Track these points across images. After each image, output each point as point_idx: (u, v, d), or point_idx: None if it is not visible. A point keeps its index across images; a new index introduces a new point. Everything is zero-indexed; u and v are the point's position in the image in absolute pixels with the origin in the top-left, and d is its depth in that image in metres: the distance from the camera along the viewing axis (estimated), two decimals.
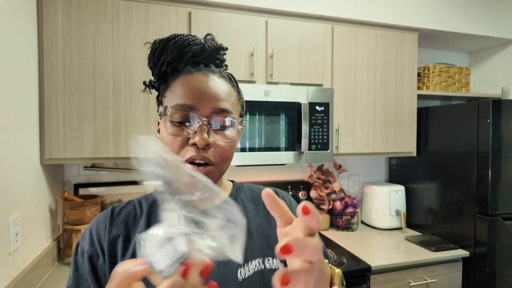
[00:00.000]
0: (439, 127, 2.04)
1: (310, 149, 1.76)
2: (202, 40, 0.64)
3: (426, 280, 1.73)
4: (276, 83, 1.80)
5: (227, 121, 0.60)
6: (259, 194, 0.74)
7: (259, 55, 1.76)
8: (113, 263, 0.59)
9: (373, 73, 1.98)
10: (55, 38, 1.45)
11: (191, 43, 0.62)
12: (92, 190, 1.80)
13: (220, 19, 1.68)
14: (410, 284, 1.70)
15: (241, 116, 0.67)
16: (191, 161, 0.57)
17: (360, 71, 1.95)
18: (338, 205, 2.14)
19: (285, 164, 1.93)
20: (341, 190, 2.19)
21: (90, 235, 0.62)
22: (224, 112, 0.59)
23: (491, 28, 2.21)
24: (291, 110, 1.74)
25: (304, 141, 1.72)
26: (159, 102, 0.65)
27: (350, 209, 2.13)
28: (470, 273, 1.82)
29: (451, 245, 1.85)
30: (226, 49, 0.67)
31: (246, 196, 0.73)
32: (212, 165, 0.58)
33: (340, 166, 2.26)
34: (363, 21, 1.93)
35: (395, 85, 2.04)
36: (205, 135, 0.56)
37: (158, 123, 0.66)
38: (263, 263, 0.63)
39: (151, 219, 0.64)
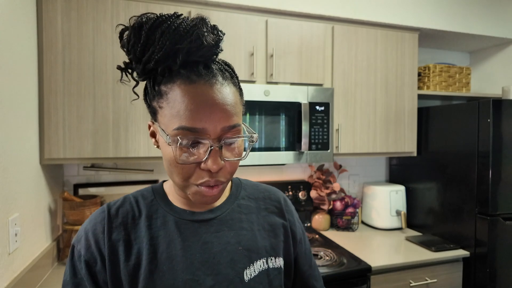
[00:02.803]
0: (439, 127, 2.04)
1: (310, 149, 1.76)
2: (197, 30, 0.50)
3: (426, 280, 1.72)
4: (276, 83, 1.79)
5: (239, 140, 0.56)
6: (264, 193, 0.73)
7: (259, 55, 1.75)
8: (115, 269, 0.57)
9: (373, 73, 1.98)
10: (54, 37, 1.45)
11: (184, 35, 0.50)
12: (92, 190, 1.80)
13: (220, 18, 1.67)
14: (411, 284, 1.70)
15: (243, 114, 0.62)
16: (205, 185, 0.55)
17: (360, 71, 1.95)
18: (339, 205, 2.14)
19: (285, 164, 1.93)
20: (341, 190, 2.19)
21: (86, 239, 0.59)
22: (234, 128, 0.54)
23: (492, 27, 2.21)
24: (291, 110, 1.73)
25: (304, 141, 1.71)
26: (152, 108, 0.57)
27: (350, 209, 2.12)
28: (471, 273, 1.81)
29: (451, 245, 1.85)
30: (224, 34, 0.56)
31: (247, 194, 0.71)
32: (223, 183, 0.57)
33: (340, 166, 2.26)
34: (363, 21, 1.93)
35: (396, 85, 2.03)
36: (219, 160, 0.52)
37: (150, 126, 0.61)
38: (267, 262, 0.64)
39: (152, 221, 0.61)
